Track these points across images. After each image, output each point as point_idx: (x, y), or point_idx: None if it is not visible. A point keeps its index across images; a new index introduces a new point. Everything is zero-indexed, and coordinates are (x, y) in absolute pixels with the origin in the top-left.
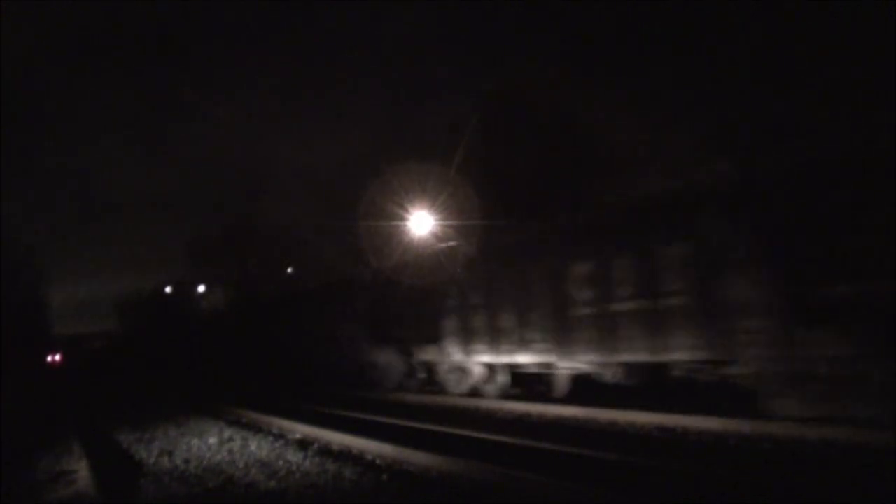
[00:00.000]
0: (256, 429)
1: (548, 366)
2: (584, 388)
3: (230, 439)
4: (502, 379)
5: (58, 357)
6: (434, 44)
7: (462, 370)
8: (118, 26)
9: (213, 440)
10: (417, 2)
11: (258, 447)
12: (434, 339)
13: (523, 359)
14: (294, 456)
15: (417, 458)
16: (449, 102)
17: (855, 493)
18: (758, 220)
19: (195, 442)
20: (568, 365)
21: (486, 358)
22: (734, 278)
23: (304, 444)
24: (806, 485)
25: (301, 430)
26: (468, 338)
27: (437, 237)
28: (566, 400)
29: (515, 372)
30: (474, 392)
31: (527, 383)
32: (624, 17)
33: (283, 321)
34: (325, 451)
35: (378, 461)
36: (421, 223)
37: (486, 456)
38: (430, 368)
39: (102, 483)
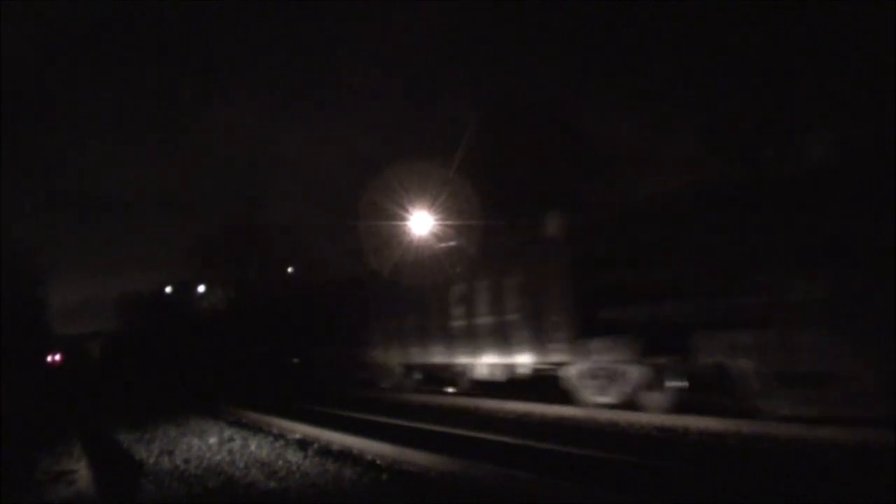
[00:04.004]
0: (256, 429)
1: None
2: None
3: (230, 439)
4: None
5: (58, 357)
6: (435, 45)
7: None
8: (118, 26)
9: (213, 440)
10: (419, 3)
11: (258, 447)
12: None
13: None
14: (294, 456)
15: (417, 458)
16: (450, 103)
17: (855, 493)
18: None
19: (195, 442)
20: None
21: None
22: None
23: (303, 444)
24: (806, 485)
25: (301, 429)
26: None
27: (437, 237)
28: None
29: None
30: None
31: None
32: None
33: (283, 321)
34: (325, 451)
35: (378, 461)
36: (421, 223)
37: (486, 456)
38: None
39: (102, 483)
